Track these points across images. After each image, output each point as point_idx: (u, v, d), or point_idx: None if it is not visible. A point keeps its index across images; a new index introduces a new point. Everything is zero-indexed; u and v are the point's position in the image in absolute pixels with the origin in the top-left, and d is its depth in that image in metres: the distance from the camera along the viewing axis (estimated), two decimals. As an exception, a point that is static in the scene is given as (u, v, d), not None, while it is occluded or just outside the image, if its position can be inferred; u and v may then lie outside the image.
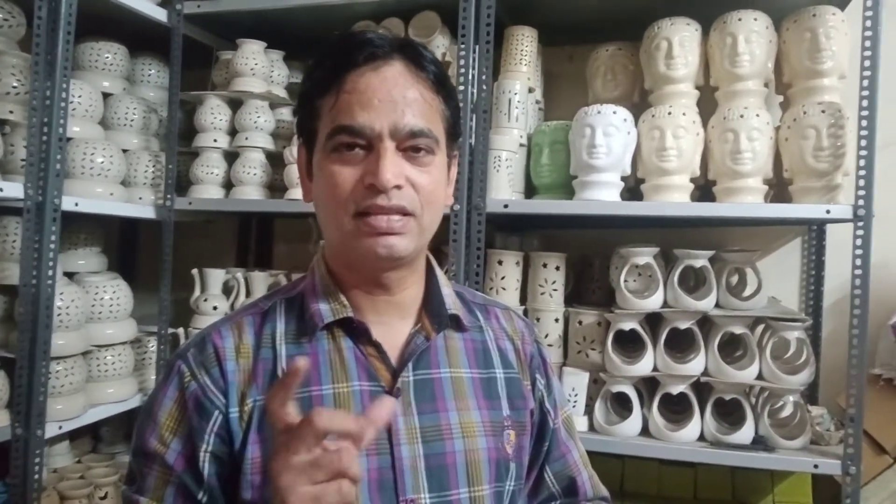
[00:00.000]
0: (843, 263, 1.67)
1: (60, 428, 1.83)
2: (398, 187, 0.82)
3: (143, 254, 2.58)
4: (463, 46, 1.83)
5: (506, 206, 1.84)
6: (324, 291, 0.89)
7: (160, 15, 2.09)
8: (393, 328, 0.90)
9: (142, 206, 2.12)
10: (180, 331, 2.16)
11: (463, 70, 1.84)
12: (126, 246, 2.59)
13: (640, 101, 2.03)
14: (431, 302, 0.93)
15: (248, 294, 2.19)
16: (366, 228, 0.82)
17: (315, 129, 0.87)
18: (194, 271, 2.20)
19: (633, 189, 1.92)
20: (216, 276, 2.20)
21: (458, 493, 0.85)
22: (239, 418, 0.82)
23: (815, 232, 2.09)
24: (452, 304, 0.93)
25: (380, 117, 0.82)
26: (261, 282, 2.19)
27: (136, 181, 2.14)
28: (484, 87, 1.85)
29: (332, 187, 0.83)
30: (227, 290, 2.22)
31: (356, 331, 0.87)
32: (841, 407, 1.92)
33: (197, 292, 2.19)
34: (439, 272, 0.96)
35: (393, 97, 0.82)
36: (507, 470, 0.90)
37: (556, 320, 1.93)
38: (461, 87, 1.83)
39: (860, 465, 1.60)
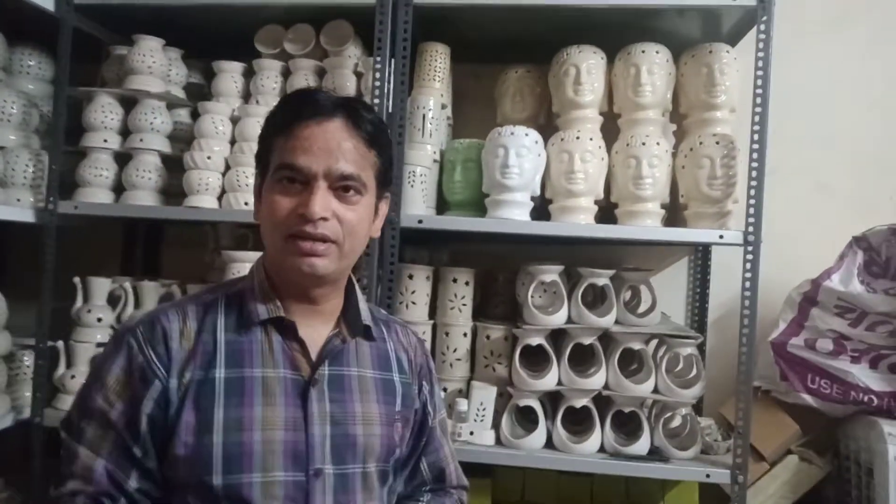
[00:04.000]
0: (727, 282, 1.81)
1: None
2: (324, 219, 1.02)
3: (17, 260, 2.36)
4: (379, 60, 1.82)
5: (420, 222, 1.85)
6: (261, 294, 1.08)
7: (47, 3, 1.93)
8: (316, 330, 1.10)
9: (20, 209, 1.95)
10: (60, 344, 1.99)
11: (378, 83, 1.82)
12: (-5, 250, 2.37)
13: (545, 123, 2.09)
14: (350, 312, 1.14)
15: (137, 306, 2.06)
16: (294, 248, 1.03)
17: (268, 161, 1.07)
18: (76, 280, 2.04)
19: (538, 208, 1.97)
20: (101, 286, 2.05)
21: (354, 467, 1.06)
22: (177, 388, 1.00)
23: (700, 253, 2.23)
24: (367, 316, 1.15)
25: (317, 161, 1.02)
26: (151, 292, 2.07)
27: (14, 181, 1.96)
28: (400, 101, 1.85)
29: (273, 211, 1.04)
30: (112, 300, 2.07)
31: (286, 328, 1.07)
32: (724, 417, 2.06)
33: (79, 303, 2.03)
34: (358, 290, 1.17)
35: (330, 146, 1.03)
36: (392, 453, 1.13)
37: (465, 335, 1.95)
38: (376, 101, 1.81)
39: (747, 475, 1.72)
